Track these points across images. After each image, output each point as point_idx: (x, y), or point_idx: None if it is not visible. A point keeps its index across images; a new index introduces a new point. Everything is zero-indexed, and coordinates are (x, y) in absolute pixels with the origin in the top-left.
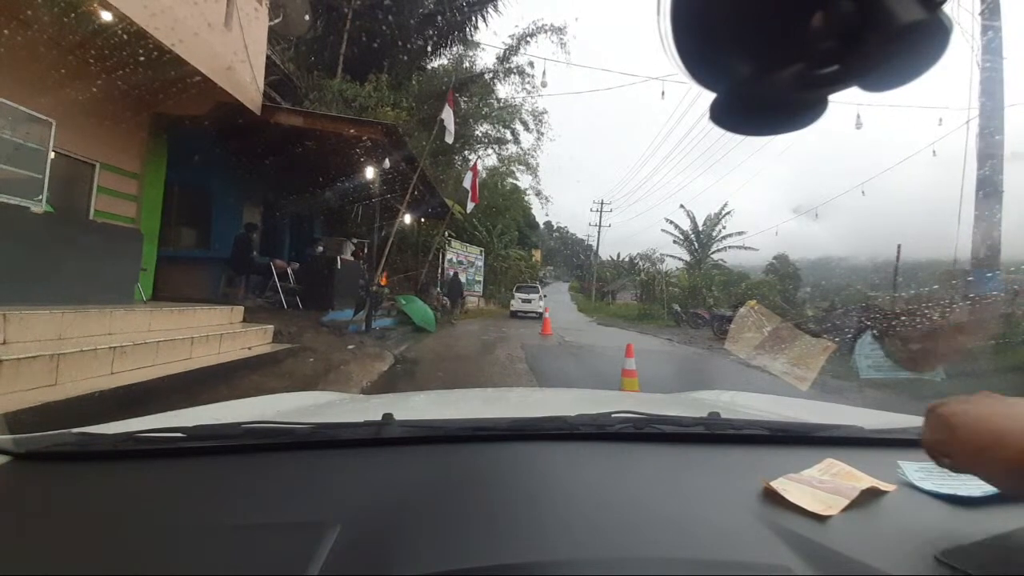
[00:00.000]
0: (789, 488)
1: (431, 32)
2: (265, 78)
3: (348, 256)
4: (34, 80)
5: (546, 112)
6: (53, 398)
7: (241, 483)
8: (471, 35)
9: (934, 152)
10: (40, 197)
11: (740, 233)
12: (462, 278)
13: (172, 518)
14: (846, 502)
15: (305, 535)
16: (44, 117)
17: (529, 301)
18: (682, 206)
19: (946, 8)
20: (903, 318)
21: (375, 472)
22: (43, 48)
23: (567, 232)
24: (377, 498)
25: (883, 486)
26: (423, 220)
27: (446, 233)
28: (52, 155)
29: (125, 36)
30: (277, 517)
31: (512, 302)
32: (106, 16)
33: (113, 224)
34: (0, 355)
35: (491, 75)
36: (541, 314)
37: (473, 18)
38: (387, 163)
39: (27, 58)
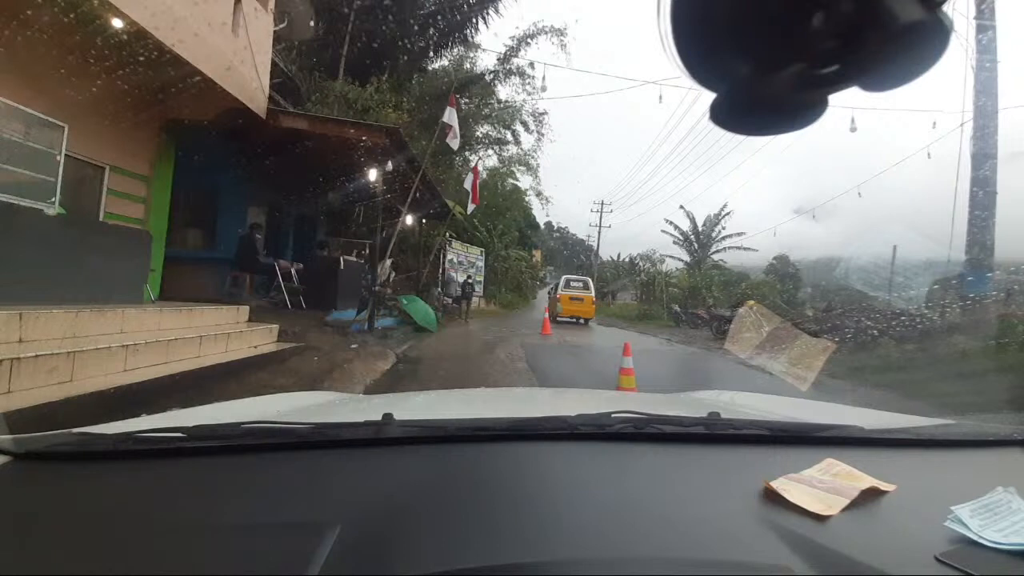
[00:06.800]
0: (789, 488)
1: (432, 33)
2: (269, 80)
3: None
4: (47, 85)
5: (546, 113)
6: (70, 394)
7: (241, 483)
8: (471, 37)
9: (928, 155)
10: (53, 199)
11: (740, 234)
12: (460, 277)
13: (172, 518)
14: (846, 502)
15: (305, 535)
16: (57, 121)
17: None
18: (682, 207)
19: (945, 8)
20: (902, 318)
21: (375, 472)
22: (56, 53)
23: (567, 232)
24: (377, 498)
25: (883, 486)
26: (424, 221)
27: (447, 234)
28: (64, 158)
29: (144, 49)
30: (277, 517)
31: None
32: (123, 25)
33: (123, 225)
34: (18, 353)
35: (492, 76)
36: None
37: (474, 19)
38: (389, 165)
39: (41, 64)
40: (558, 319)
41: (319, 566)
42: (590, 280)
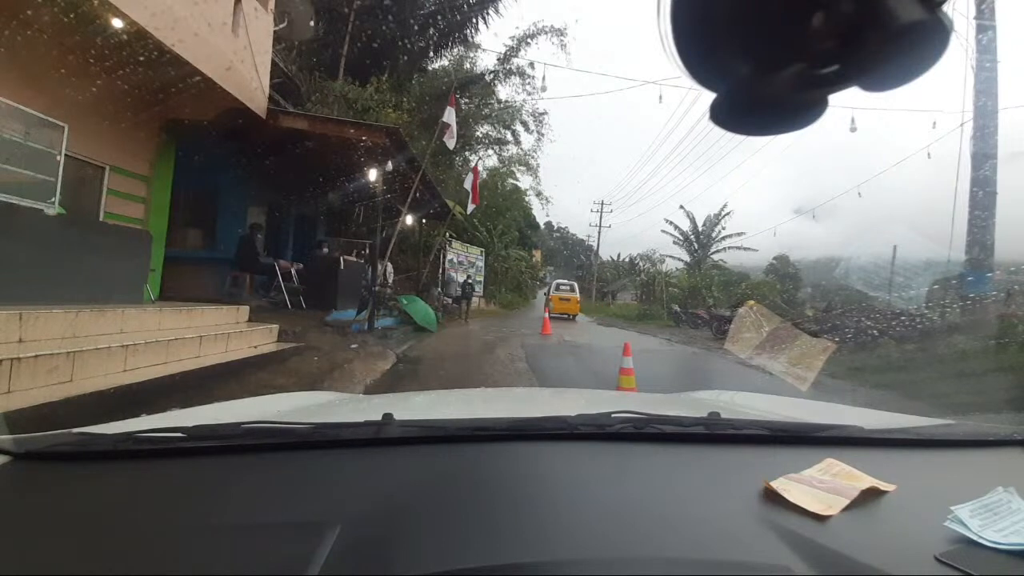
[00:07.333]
0: (789, 488)
1: (432, 33)
2: (269, 80)
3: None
4: (47, 85)
5: (546, 113)
6: (70, 394)
7: (241, 483)
8: (472, 37)
9: (928, 155)
10: (53, 199)
11: (740, 234)
12: (460, 278)
13: (172, 518)
14: (846, 502)
15: (305, 535)
16: (57, 121)
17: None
18: (682, 207)
19: (945, 8)
20: (902, 318)
21: (375, 472)
22: (56, 53)
23: (567, 232)
24: (377, 498)
25: (883, 486)
26: (424, 221)
27: (447, 234)
28: (64, 158)
29: (144, 49)
30: (277, 517)
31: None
32: (123, 25)
33: (123, 225)
34: (17, 353)
35: (491, 76)
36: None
37: (474, 19)
38: (389, 165)
39: (41, 64)
40: (551, 315)
41: (319, 566)
42: (576, 284)
